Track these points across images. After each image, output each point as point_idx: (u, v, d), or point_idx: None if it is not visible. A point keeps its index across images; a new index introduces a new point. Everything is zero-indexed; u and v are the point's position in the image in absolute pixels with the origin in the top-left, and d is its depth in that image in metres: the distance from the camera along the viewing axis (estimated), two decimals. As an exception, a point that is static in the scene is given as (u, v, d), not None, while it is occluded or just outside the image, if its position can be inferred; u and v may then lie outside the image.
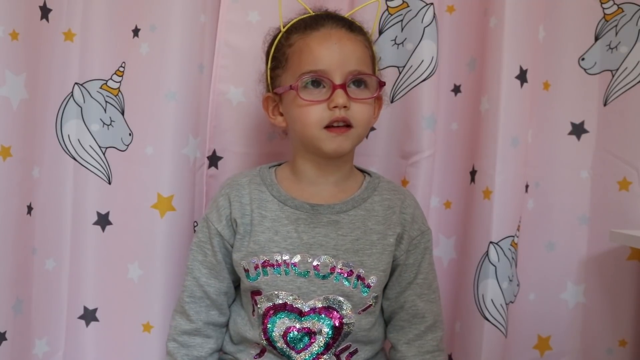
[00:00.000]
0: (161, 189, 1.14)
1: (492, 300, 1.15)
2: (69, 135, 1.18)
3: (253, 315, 1.00)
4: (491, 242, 1.14)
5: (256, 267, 0.98)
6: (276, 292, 0.97)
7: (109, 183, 1.19)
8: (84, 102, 1.19)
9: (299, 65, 0.96)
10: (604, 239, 1.19)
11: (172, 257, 1.15)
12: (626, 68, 1.21)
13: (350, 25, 1.00)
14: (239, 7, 1.19)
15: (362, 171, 1.07)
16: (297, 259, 0.97)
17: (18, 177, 1.09)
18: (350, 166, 1.04)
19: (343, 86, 0.94)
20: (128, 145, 1.18)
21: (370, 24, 1.05)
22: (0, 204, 1.06)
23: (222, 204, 1.02)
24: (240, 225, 1.00)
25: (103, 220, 1.19)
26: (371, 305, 0.99)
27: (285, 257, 0.97)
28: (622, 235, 1.11)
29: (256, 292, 0.99)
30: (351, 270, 0.97)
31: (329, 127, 0.95)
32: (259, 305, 0.98)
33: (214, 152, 1.21)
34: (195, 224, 1.19)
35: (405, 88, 1.20)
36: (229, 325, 1.05)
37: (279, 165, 1.06)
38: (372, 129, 1.22)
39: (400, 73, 1.20)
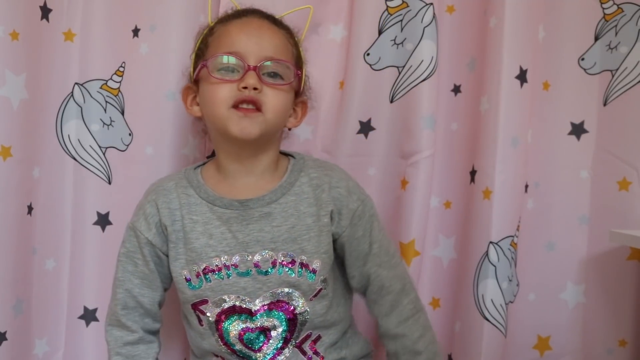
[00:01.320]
0: (161, 189, 1.14)
1: (492, 300, 1.14)
2: (69, 135, 1.18)
3: (201, 325, 0.99)
4: (491, 242, 1.14)
5: (198, 275, 0.97)
6: (223, 297, 0.96)
7: (109, 183, 1.19)
8: (84, 102, 1.19)
9: (217, 49, 0.96)
10: (604, 239, 1.18)
11: (172, 257, 1.14)
12: (626, 68, 1.20)
13: (274, 19, 1.01)
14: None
15: (287, 155, 1.05)
16: (236, 259, 0.96)
17: (18, 177, 1.09)
18: (274, 156, 1.01)
19: (255, 68, 0.94)
20: (128, 145, 1.18)
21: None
22: (0, 204, 1.06)
23: (150, 211, 1.00)
24: (171, 232, 0.98)
25: (103, 220, 1.19)
26: (322, 289, 0.98)
27: (224, 260, 0.96)
28: (622, 235, 1.11)
29: (200, 302, 0.98)
30: (293, 260, 0.96)
31: (237, 107, 0.94)
32: (207, 314, 0.97)
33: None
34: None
35: (405, 88, 1.20)
36: (189, 341, 1.04)
37: (204, 164, 1.05)
38: (372, 128, 1.22)
39: (400, 73, 1.20)
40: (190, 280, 0.97)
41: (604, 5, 1.21)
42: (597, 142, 1.23)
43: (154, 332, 1.04)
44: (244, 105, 0.94)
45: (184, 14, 1.15)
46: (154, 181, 1.05)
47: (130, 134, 1.18)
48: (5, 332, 1.08)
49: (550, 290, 1.25)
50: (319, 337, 0.99)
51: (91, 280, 1.20)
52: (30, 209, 1.13)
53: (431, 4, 1.17)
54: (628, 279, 1.21)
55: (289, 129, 1.07)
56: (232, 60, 0.94)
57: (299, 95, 1.02)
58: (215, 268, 0.96)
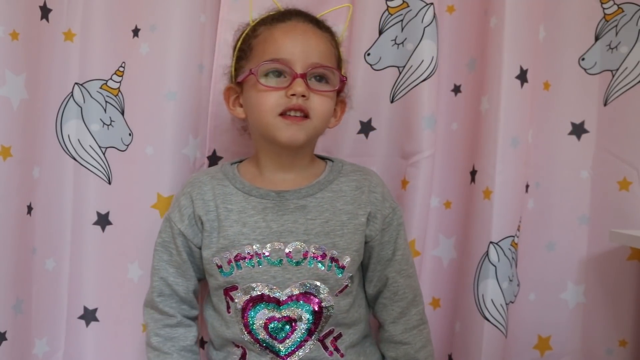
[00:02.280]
0: (161, 189, 1.14)
1: (492, 300, 1.15)
2: (69, 135, 1.18)
3: (229, 312, 1.00)
4: (491, 242, 1.14)
5: (229, 262, 0.98)
6: (252, 285, 0.98)
7: (109, 183, 1.19)
8: (84, 102, 1.19)
9: (262, 54, 0.97)
10: (604, 239, 1.19)
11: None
12: (626, 68, 1.21)
13: (317, 22, 1.01)
14: (239, 7, 1.19)
15: (324, 158, 1.07)
16: (268, 248, 0.97)
17: (18, 177, 1.09)
18: (311, 158, 1.04)
19: (303, 76, 0.95)
20: (128, 145, 1.18)
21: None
22: (0, 204, 1.06)
23: (184, 203, 1.02)
24: (205, 222, 1.00)
25: (103, 220, 1.19)
26: (347, 285, 1.00)
27: (256, 248, 0.98)
28: (622, 235, 1.11)
29: (231, 288, 0.99)
30: (324, 253, 0.98)
31: (284, 115, 0.95)
32: (236, 301, 0.99)
33: (214, 152, 1.21)
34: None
35: (405, 88, 1.20)
36: (209, 332, 1.05)
37: (240, 161, 1.07)
38: (372, 128, 1.22)
39: (400, 73, 1.20)
40: (221, 267, 0.99)
41: (604, 5, 1.21)
42: (598, 142, 1.23)
43: (193, 319, 1.05)
44: (292, 113, 0.95)
45: (184, 14, 1.14)
46: (193, 174, 1.08)
47: (130, 134, 1.18)
48: (5, 332, 1.08)
49: (550, 290, 1.25)
50: (340, 335, 1.00)
51: (91, 280, 1.19)
52: (30, 208, 1.13)
53: (431, 4, 1.17)
54: (628, 279, 1.21)
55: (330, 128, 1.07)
56: (280, 67, 0.96)
57: (338, 95, 1.04)
58: (247, 255, 0.98)
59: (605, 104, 1.23)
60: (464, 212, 1.22)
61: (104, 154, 1.19)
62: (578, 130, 1.24)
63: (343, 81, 1.01)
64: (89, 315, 1.20)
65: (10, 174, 1.07)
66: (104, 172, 1.19)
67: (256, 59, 0.98)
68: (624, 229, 1.14)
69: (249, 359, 1.00)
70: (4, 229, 1.07)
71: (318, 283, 0.98)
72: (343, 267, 0.98)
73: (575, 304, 1.25)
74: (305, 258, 0.98)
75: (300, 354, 0.98)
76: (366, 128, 1.22)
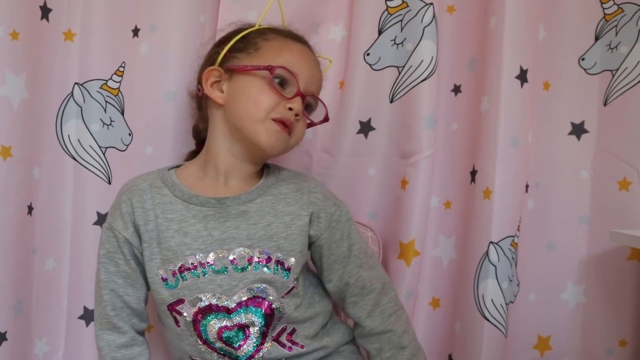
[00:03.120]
0: (161, 189, 1.14)
1: (492, 300, 1.15)
2: (69, 135, 1.18)
3: (179, 326, 0.98)
4: (491, 242, 1.14)
5: (174, 274, 0.96)
6: (199, 295, 0.96)
7: (109, 183, 1.19)
8: (84, 102, 1.19)
9: (276, 58, 0.97)
10: (604, 239, 1.19)
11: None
12: (626, 68, 1.20)
13: (316, 58, 1.05)
14: (238, 7, 1.19)
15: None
16: (211, 257, 0.96)
17: (18, 177, 1.09)
18: (261, 164, 1.04)
19: (304, 98, 0.98)
20: (128, 145, 1.18)
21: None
22: (0, 204, 1.06)
23: (126, 210, 0.99)
24: (144, 232, 0.97)
25: (103, 220, 1.18)
26: (294, 287, 0.99)
27: (200, 258, 0.96)
28: (622, 235, 1.11)
29: (176, 302, 0.97)
30: (269, 257, 0.97)
31: (276, 121, 0.96)
32: (184, 314, 0.97)
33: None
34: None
35: (405, 88, 1.20)
36: (168, 345, 1.04)
37: (179, 166, 1.05)
38: (372, 128, 1.22)
39: (400, 73, 1.20)
40: (166, 279, 0.97)
41: (604, 5, 1.21)
42: (598, 142, 1.23)
43: (142, 333, 1.03)
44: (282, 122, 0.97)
45: (184, 14, 1.15)
46: (128, 181, 1.04)
47: (130, 134, 1.18)
48: (5, 332, 1.08)
49: (550, 290, 1.25)
50: (293, 330, 1.00)
51: (91, 280, 1.17)
52: (30, 209, 1.13)
53: (431, 3, 1.17)
54: (628, 279, 1.21)
55: None
56: (290, 79, 0.97)
57: None
58: (191, 266, 0.96)
59: (605, 104, 1.22)
60: (464, 212, 1.22)
61: (104, 154, 1.19)
62: (578, 130, 1.23)
63: (327, 120, 1.05)
64: (89, 315, 1.20)
65: (10, 174, 1.08)
66: (104, 172, 1.19)
67: (264, 59, 0.98)
68: (624, 229, 1.14)
69: None
70: (4, 229, 1.07)
71: (264, 285, 0.97)
72: (289, 269, 0.98)
73: (575, 304, 1.25)
74: (250, 263, 0.96)
75: (259, 356, 0.98)
76: (366, 128, 1.22)
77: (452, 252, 1.25)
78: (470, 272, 1.18)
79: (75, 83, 1.18)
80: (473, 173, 1.19)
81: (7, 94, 1.06)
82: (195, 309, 0.96)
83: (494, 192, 1.14)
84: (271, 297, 0.97)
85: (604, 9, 1.22)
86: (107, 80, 1.19)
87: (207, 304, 0.96)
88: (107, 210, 1.18)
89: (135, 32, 1.17)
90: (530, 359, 1.25)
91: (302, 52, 1.01)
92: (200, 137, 1.08)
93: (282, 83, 0.97)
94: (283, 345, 0.99)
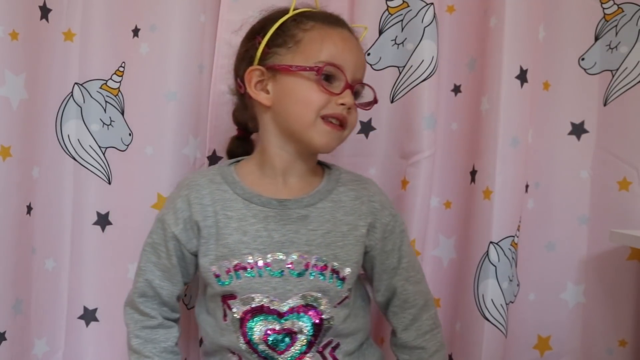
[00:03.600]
0: (161, 189, 1.14)
1: (492, 300, 1.15)
2: (68, 135, 1.18)
3: (225, 320, 0.98)
4: (491, 242, 1.14)
5: (228, 272, 0.96)
6: (252, 295, 0.95)
7: (109, 183, 1.19)
8: (84, 102, 1.18)
9: (319, 52, 0.94)
10: (604, 239, 1.19)
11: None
12: (626, 68, 1.21)
13: (357, 39, 1.01)
14: (239, 6, 1.19)
15: (319, 163, 1.05)
16: (269, 259, 0.95)
17: (18, 177, 1.09)
18: (316, 159, 1.03)
19: (352, 88, 0.96)
20: (128, 145, 1.18)
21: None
22: (0, 204, 1.06)
23: (181, 206, 0.98)
24: (203, 228, 0.97)
25: (103, 220, 1.19)
26: (347, 297, 0.99)
27: (257, 258, 0.95)
28: (622, 235, 1.11)
29: (229, 296, 0.97)
30: (325, 265, 0.96)
31: (325, 120, 0.94)
32: (234, 310, 0.96)
33: (214, 152, 1.21)
34: (195, 224, 1.19)
35: (405, 88, 1.20)
36: (202, 336, 1.03)
37: (238, 162, 1.04)
38: (372, 128, 1.22)
39: (400, 73, 1.20)
40: (219, 276, 0.96)
41: (604, 5, 1.21)
42: (597, 142, 1.23)
43: (174, 320, 1.03)
44: (333, 121, 0.95)
45: (184, 14, 1.14)
46: (188, 175, 1.04)
47: (130, 134, 1.18)
48: (4, 332, 1.08)
49: (550, 290, 1.25)
50: (337, 345, 0.99)
51: (91, 280, 1.19)
52: (29, 208, 1.13)
53: (431, 3, 1.17)
54: (628, 279, 1.21)
55: None
56: (337, 73, 0.95)
57: None
58: (247, 265, 0.95)
59: (605, 104, 1.23)
60: (464, 212, 1.22)
61: (104, 154, 1.19)
62: (578, 130, 1.24)
63: (375, 101, 1.02)
64: (89, 315, 1.20)
65: (10, 174, 1.07)
66: (104, 172, 1.19)
67: (306, 54, 0.94)
68: (624, 229, 1.14)
69: None
70: (3, 229, 1.07)
71: (318, 294, 0.96)
72: (343, 279, 0.97)
73: (575, 303, 1.25)
74: (306, 269, 0.96)
75: None
76: (366, 128, 1.22)
77: (452, 252, 1.25)
78: (470, 272, 1.18)
79: (75, 83, 1.18)
80: (473, 173, 1.19)
81: (7, 94, 1.06)
82: (246, 308, 0.96)
83: (494, 192, 1.14)
84: (322, 307, 0.96)
85: (604, 9, 1.22)
86: (107, 80, 1.19)
87: (259, 304, 0.95)
88: (107, 210, 1.19)
89: (135, 32, 1.16)
90: (530, 359, 1.25)
91: (344, 40, 0.97)
92: (241, 123, 1.07)
93: (329, 78, 0.95)
94: (325, 359, 0.99)
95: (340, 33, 0.98)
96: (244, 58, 1.00)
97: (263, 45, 0.97)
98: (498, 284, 1.15)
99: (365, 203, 1.00)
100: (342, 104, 0.94)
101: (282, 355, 0.96)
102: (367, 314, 1.05)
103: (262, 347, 0.96)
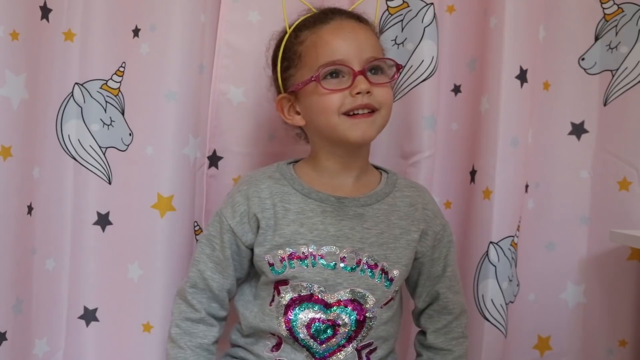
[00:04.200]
0: (161, 189, 1.14)
1: (492, 300, 1.15)
2: (69, 135, 1.18)
3: (270, 305, 0.99)
4: (491, 242, 1.14)
5: (282, 260, 0.98)
6: (303, 284, 0.97)
7: (109, 183, 1.19)
8: (84, 102, 1.19)
9: (316, 59, 0.96)
10: (604, 239, 1.19)
11: (172, 257, 1.14)
12: (626, 68, 1.21)
13: (358, 17, 1.01)
14: (239, 7, 1.19)
15: (377, 168, 1.08)
16: (324, 250, 0.98)
17: (18, 177, 1.09)
18: (367, 160, 1.05)
19: (363, 72, 0.95)
20: (128, 145, 1.18)
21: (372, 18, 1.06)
22: (0, 204, 1.06)
23: (238, 200, 1.01)
24: (261, 219, 0.99)
25: (103, 220, 1.19)
26: (392, 298, 1.01)
27: (312, 249, 0.97)
28: (622, 235, 1.11)
29: (282, 282, 0.99)
30: (375, 264, 0.98)
31: (349, 114, 0.95)
32: (282, 295, 0.98)
33: (214, 152, 1.21)
34: (196, 224, 1.19)
35: (405, 88, 1.19)
36: (240, 320, 1.04)
37: (296, 162, 1.06)
38: (372, 129, 1.22)
39: (400, 73, 1.20)
40: (273, 265, 0.98)
41: (604, 5, 1.21)
42: (597, 142, 1.23)
43: (220, 319, 1.04)
44: (360, 112, 0.96)
45: (184, 14, 1.14)
46: (249, 172, 1.07)
47: (130, 134, 1.18)
48: (5, 332, 1.08)
49: (550, 290, 1.25)
50: (375, 349, 1.01)
51: (91, 280, 1.19)
52: (30, 208, 1.13)
53: (431, 4, 1.17)
54: (628, 279, 1.21)
55: None
56: (339, 68, 0.96)
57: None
58: (302, 255, 0.97)
59: (605, 104, 1.23)
60: (464, 212, 1.22)
61: (104, 154, 1.19)
62: (578, 130, 1.24)
63: (399, 68, 1.01)
64: (89, 315, 1.20)
65: (10, 174, 1.07)
66: (104, 172, 1.19)
67: (308, 66, 0.97)
68: (624, 229, 1.14)
69: (284, 349, 0.99)
70: (4, 229, 1.07)
71: (366, 292, 0.98)
72: (392, 280, 0.99)
73: (575, 304, 1.25)
74: (358, 265, 0.98)
75: (335, 358, 0.99)
76: (366, 128, 1.22)
77: (452, 252, 1.25)
78: (470, 272, 1.18)
79: (76, 83, 1.18)
80: (473, 173, 1.19)
81: (7, 94, 1.06)
82: (294, 295, 0.98)
83: (493, 192, 1.14)
84: (368, 305, 0.98)
85: (604, 9, 1.22)
86: (107, 80, 1.19)
87: (309, 293, 0.97)
88: (107, 210, 1.19)
89: (136, 32, 1.16)
90: (530, 359, 1.25)
91: (336, 31, 0.98)
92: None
93: (335, 74, 0.96)
94: (360, 358, 1.00)
95: (330, 27, 0.98)
96: (276, 90, 1.04)
97: (279, 74, 1.01)
98: (498, 284, 1.15)
99: (419, 210, 1.02)
100: (358, 93, 0.95)
101: (322, 346, 0.98)
102: (400, 322, 1.07)
103: (303, 335, 0.98)
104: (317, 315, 0.98)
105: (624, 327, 1.22)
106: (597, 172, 1.23)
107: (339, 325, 0.98)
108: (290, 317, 0.98)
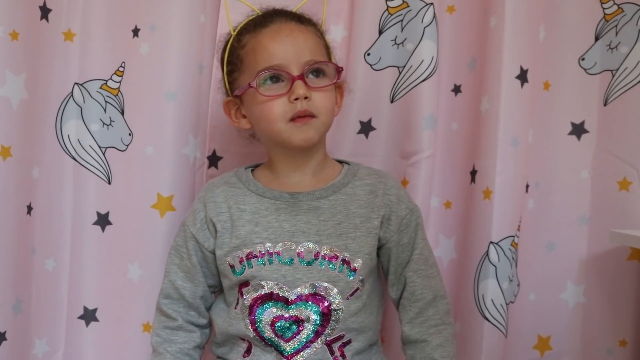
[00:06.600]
0: (161, 189, 1.14)
1: (492, 300, 1.15)
2: (68, 135, 1.18)
3: (235, 308, 1.00)
4: (491, 242, 1.14)
5: (241, 261, 0.99)
6: (261, 283, 0.98)
7: (109, 183, 1.19)
8: (84, 102, 1.19)
9: (255, 64, 0.97)
10: (604, 239, 1.18)
11: (172, 257, 1.14)
12: (626, 68, 1.20)
13: (299, 18, 1.01)
14: (238, 7, 1.18)
15: (341, 162, 1.08)
16: (279, 247, 0.98)
17: (18, 177, 1.09)
18: (324, 155, 1.04)
19: (301, 77, 0.95)
20: (128, 145, 1.18)
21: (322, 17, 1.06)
22: (0, 204, 1.06)
23: (197, 207, 1.04)
24: (217, 223, 1.01)
25: (103, 220, 1.19)
26: (358, 289, 0.99)
27: (268, 247, 0.98)
28: (622, 235, 1.11)
29: (243, 284, 1.00)
30: (335, 255, 0.98)
31: (294, 120, 0.96)
32: (244, 297, 0.99)
33: (214, 152, 1.22)
34: (195, 224, 1.19)
35: (405, 88, 1.19)
36: (215, 329, 1.05)
37: (257, 166, 1.08)
38: (372, 128, 1.22)
39: (400, 73, 1.20)
40: (233, 266, 0.99)
41: (604, 5, 1.21)
42: (598, 142, 1.23)
43: (199, 325, 1.05)
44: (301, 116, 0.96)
45: (184, 14, 1.14)
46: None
47: (130, 134, 1.18)
48: (5, 332, 1.08)
49: (550, 290, 1.25)
50: (349, 341, 1.00)
51: (91, 280, 1.19)
52: (29, 208, 1.13)
53: (431, 3, 1.17)
54: (628, 279, 1.21)
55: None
56: (276, 74, 0.96)
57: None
58: (258, 254, 0.98)
59: (605, 104, 1.23)
60: (464, 212, 1.22)
61: (103, 154, 1.19)
62: (578, 130, 1.24)
63: (340, 71, 1.01)
64: (89, 315, 1.20)
65: (10, 174, 1.07)
66: (104, 172, 1.19)
67: (249, 70, 0.98)
68: (624, 229, 1.14)
69: (254, 353, 1.00)
70: (3, 229, 1.07)
71: (328, 284, 0.97)
72: (354, 270, 0.98)
73: (575, 304, 1.25)
74: (316, 258, 0.98)
75: (304, 354, 0.98)
76: (366, 128, 1.22)
77: (452, 252, 1.25)
78: (471, 272, 1.18)
79: (75, 83, 1.18)
80: (473, 173, 1.19)
81: (7, 94, 1.06)
82: (255, 295, 0.98)
83: (494, 192, 1.14)
84: (331, 298, 0.98)
85: (604, 9, 1.22)
86: (107, 80, 1.19)
87: (268, 291, 0.98)
88: (107, 210, 1.19)
89: (135, 32, 1.16)
90: (530, 359, 1.25)
91: (273, 36, 0.98)
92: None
93: (275, 78, 0.96)
94: (332, 352, 0.99)
95: (269, 31, 0.98)
96: (220, 88, 1.06)
97: (225, 77, 1.02)
98: (498, 284, 1.15)
99: (380, 196, 1.02)
100: (296, 99, 0.95)
101: (288, 343, 0.98)
102: (380, 314, 1.06)
103: (268, 334, 0.98)
104: (279, 313, 0.98)
105: (624, 327, 1.22)
106: (597, 172, 1.23)
107: (302, 321, 0.98)
108: (254, 318, 0.98)
